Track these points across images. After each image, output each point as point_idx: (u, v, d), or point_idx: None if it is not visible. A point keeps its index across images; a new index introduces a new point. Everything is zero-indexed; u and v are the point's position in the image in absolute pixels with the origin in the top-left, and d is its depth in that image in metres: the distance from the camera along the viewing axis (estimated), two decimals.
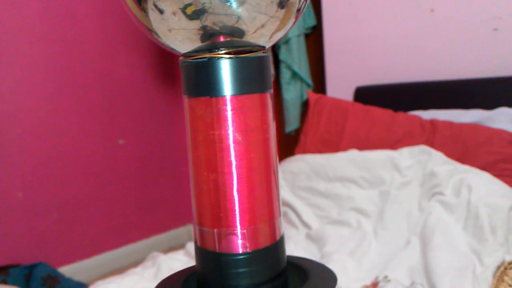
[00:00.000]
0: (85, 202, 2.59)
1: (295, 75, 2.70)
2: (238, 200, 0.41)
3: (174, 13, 0.39)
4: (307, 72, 2.72)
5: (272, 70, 2.32)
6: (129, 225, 2.81)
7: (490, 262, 1.22)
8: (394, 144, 1.76)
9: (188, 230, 3.14)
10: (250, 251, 0.42)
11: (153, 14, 0.40)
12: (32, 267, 2.16)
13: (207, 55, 0.42)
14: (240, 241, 0.41)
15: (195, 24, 0.40)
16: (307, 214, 1.63)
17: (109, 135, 2.70)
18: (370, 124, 1.85)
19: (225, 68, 0.41)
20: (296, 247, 1.50)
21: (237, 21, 0.39)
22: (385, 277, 1.24)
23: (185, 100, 0.43)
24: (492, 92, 1.84)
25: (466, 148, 1.64)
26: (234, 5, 0.38)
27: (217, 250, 0.42)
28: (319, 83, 2.69)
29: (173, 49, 0.44)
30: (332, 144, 1.89)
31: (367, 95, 2.12)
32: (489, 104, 1.80)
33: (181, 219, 3.11)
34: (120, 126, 2.75)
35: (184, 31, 0.41)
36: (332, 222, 1.57)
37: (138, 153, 2.84)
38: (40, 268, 2.16)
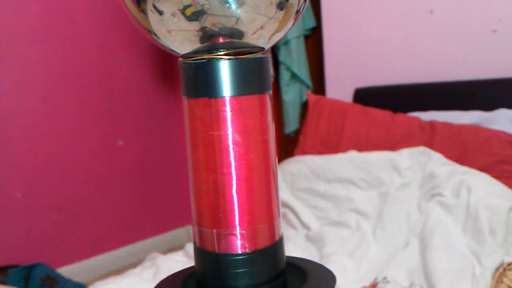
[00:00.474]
0: (84, 203, 2.59)
1: (294, 76, 2.70)
2: (238, 200, 0.41)
3: (173, 14, 0.39)
4: (306, 74, 2.72)
5: (271, 71, 2.32)
6: (128, 226, 2.81)
7: (489, 263, 1.22)
8: (393, 145, 1.76)
9: (187, 231, 3.14)
10: (249, 252, 0.42)
11: (152, 15, 0.40)
12: (31, 268, 2.16)
13: (206, 56, 0.42)
14: (239, 242, 0.41)
15: (194, 25, 0.40)
16: (307, 215, 1.63)
17: (108, 136, 2.70)
18: (369, 126, 1.85)
19: (224, 69, 0.41)
20: (295, 248, 1.50)
21: (236, 22, 0.40)
22: (384, 278, 1.24)
23: (185, 101, 0.44)
24: (491, 93, 1.84)
25: (465, 150, 1.64)
26: (233, 6, 0.38)
27: (216, 251, 0.42)
28: (318, 84, 2.69)
29: (172, 50, 0.44)
30: (331, 145, 1.89)
31: (367, 96, 2.12)
32: (489, 105, 1.80)
33: (180, 220, 3.11)
34: (120, 127, 2.75)
35: (184, 32, 0.41)
36: (331, 223, 1.57)
37: (137, 154, 2.84)
38: (39, 268, 2.15)
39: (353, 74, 2.23)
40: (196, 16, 0.39)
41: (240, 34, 0.41)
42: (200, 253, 0.43)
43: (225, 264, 0.42)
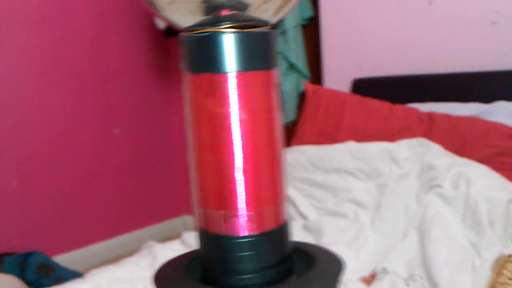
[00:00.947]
0: (80, 191, 2.57)
1: (292, 66, 2.68)
2: (244, 181, 0.39)
3: None
4: (304, 64, 2.70)
5: None
6: (124, 215, 2.79)
7: (488, 255, 1.21)
8: (391, 136, 1.75)
9: (184, 220, 3.13)
10: (256, 234, 0.40)
11: None
12: (26, 256, 2.15)
13: (210, 29, 0.40)
14: (246, 224, 0.40)
15: None
16: (304, 205, 1.62)
17: (104, 124, 2.67)
18: (367, 116, 1.84)
19: (229, 43, 0.39)
20: (293, 238, 1.48)
21: None
22: (384, 269, 1.23)
23: (187, 77, 0.42)
24: (490, 85, 1.83)
25: (463, 142, 1.63)
26: None
27: (222, 233, 0.40)
28: (316, 74, 2.67)
29: (174, 23, 0.42)
30: (329, 135, 1.88)
31: (365, 87, 2.10)
32: (487, 97, 1.79)
33: (176, 210, 3.10)
34: (115, 115, 2.72)
35: (186, 4, 0.39)
36: (329, 214, 1.56)
37: (134, 142, 2.82)
38: (35, 256, 2.14)
39: (351, 64, 2.21)
40: None
41: (244, 6, 0.39)
42: (204, 235, 0.42)
43: (231, 246, 0.40)
